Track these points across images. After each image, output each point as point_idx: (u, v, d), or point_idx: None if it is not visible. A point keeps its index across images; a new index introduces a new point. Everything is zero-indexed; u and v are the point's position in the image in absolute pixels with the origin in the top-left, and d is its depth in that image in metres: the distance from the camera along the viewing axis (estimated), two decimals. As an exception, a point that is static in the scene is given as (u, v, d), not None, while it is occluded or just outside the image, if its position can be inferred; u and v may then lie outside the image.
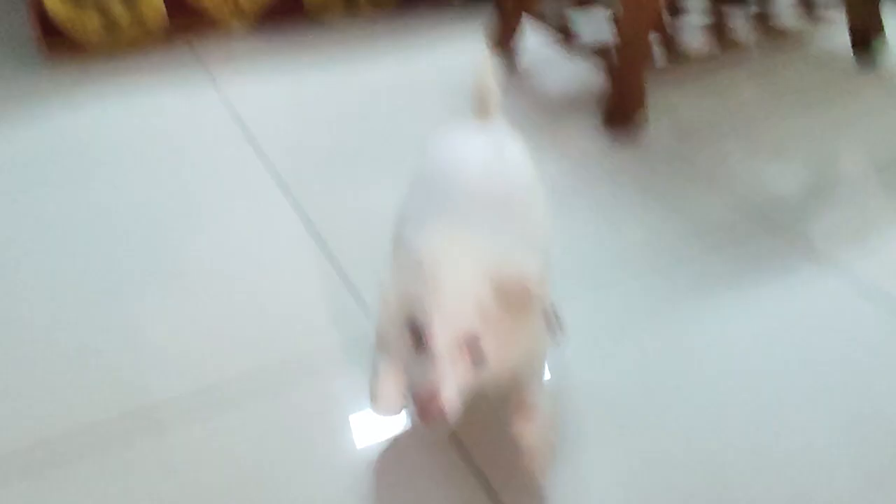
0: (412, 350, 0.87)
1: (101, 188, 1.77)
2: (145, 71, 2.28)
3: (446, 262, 0.87)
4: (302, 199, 1.75)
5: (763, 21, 2.38)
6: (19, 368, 1.30)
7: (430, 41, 2.51)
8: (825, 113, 2.22)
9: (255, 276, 1.53)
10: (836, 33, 2.58)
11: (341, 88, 2.24)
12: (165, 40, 2.43)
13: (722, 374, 1.33)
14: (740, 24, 2.34)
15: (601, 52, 2.11)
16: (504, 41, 2.37)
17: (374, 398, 1.08)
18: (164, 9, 2.38)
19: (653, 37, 2.06)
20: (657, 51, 2.13)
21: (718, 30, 2.30)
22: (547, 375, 1.17)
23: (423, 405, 0.84)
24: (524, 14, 2.32)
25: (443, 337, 0.84)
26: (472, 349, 0.86)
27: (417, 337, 0.86)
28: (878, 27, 2.51)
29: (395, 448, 1.17)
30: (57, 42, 2.28)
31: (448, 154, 1.18)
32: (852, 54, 2.53)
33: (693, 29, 2.30)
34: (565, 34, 2.23)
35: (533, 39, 2.39)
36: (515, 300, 0.87)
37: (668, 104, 2.20)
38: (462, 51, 2.40)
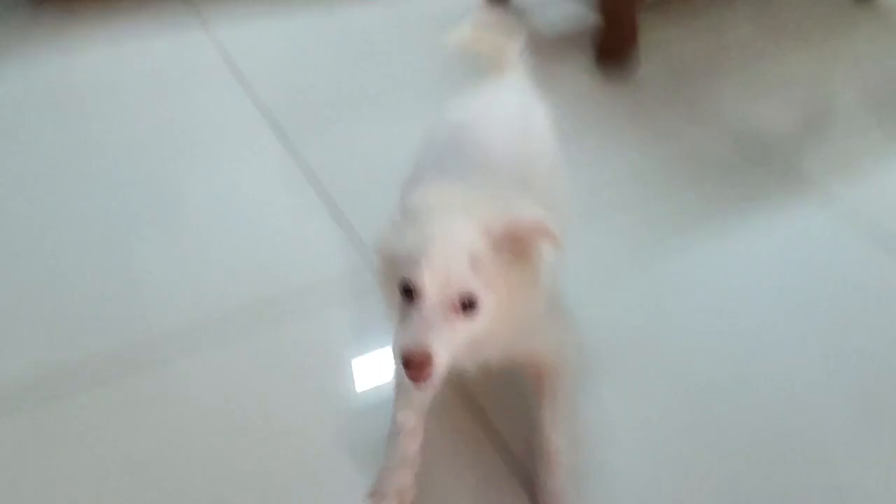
0: (403, 308, 0.84)
1: (94, 130, 1.78)
2: (135, 13, 2.26)
3: (437, 215, 0.84)
4: (294, 138, 1.75)
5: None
6: (17, 306, 1.33)
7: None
8: (821, 48, 2.21)
9: (250, 214, 1.55)
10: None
11: (334, 27, 2.23)
12: (154, -19, 2.40)
13: (713, 305, 1.36)
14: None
15: (594, -11, 2.09)
16: (497, -21, 2.34)
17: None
18: (151, -51, 2.34)
19: (646, -28, 2.03)
20: (651, -14, 2.11)
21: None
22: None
23: (409, 361, 0.80)
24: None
25: (432, 291, 0.81)
26: (466, 304, 0.82)
27: (408, 293, 0.83)
28: (875, -40, 2.47)
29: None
30: (45, -15, 2.26)
31: (462, 118, 1.13)
32: (849, -12, 2.50)
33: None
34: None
35: (526, -23, 2.36)
36: (515, 252, 0.84)
37: (661, 41, 2.19)
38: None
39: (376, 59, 2.07)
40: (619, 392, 1.18)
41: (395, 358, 0.81)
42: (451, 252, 0.82)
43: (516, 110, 1.15)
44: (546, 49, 2.13)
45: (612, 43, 2.04)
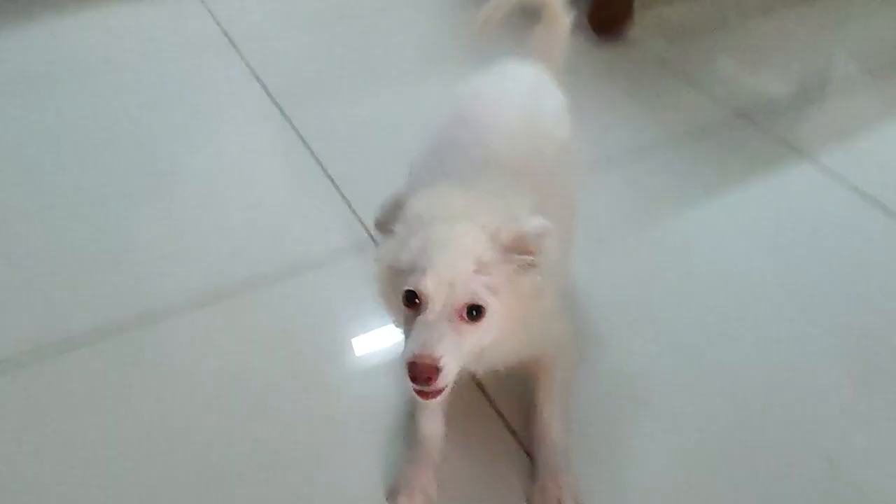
0: (408, 315, 0.82)
1: (87, 97, 1.78)
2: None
3: (440, 222, 0.82)
4: (289, 106, 1.76)
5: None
6: (17, 276, 1.35)
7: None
8: (817, 14, 2.21)
9: (245, 184, 1.56)
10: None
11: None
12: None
13: (705, 265, 1.39)
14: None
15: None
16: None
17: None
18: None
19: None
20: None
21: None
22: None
23: (416, 370, 0.77)
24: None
25: (438, 298, 0.79)
26: (472, 312, 0.80)
27: (413, 303, 0.81)
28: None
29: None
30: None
31: (467, 106, 1.08)
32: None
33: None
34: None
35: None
36: (522, 258, 0.82)
37: (655, 6, 2.18)
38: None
39: (375, 24, 2.06)
40: (612, 353, 1.22)
41: (402, 368, 0.79)
42: (456, 258, 0.80)
43: (526, 97, 1.10)
44: (537, 11, 2.11)
45: (606, 7, 2.03)
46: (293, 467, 1.06)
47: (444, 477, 1.02)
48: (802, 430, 1.12)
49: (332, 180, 1.56)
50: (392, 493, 0.99)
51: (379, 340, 1.25)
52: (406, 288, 0.80)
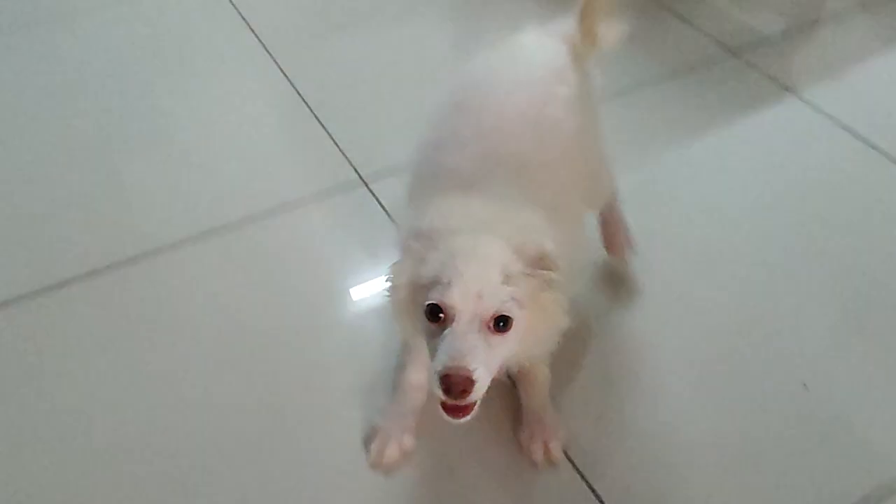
0: (432, 330, 0.79)
1: (79, 45, 1.77)
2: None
3: (462, 234, 0.80)
4: (278, 48, 1.75)
5: None
6: (13, 218, 1.37)
7: None
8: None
9: (238, 125, 1.57)
10: None
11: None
12: None
13: (694, 204, 1.40)
14: None
15: None
16: None
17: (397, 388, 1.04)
18: None
19: None
20: None
21: None
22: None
23: (450, 383, 0.74)
24: None
25: (465, 310, 0.76)
26: (500, 323, 0.78)
27: (437, 317, 0.78)
28: None
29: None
30: None
31: (474, 99, 0.99)
32: None
33: None
34: None
35: None
36: (544, 275, 0.80)
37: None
38: None
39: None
40: (597, 291, 1.24)
41: (432, 383, 0.76)
42: (484, 269, 0.77)
43: (535, 86, 1.00)
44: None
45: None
46: (279, 404, 1.09)
47: (435, 428, 1.02)
48: (782, 360, 1.15)
49: (320, 121, 1.56)
50: (367, 439, 1.02)
51: (365, 274, 1.28)
52: (429, 302, 0.77)
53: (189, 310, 1.22)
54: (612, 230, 1.23)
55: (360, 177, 1.44)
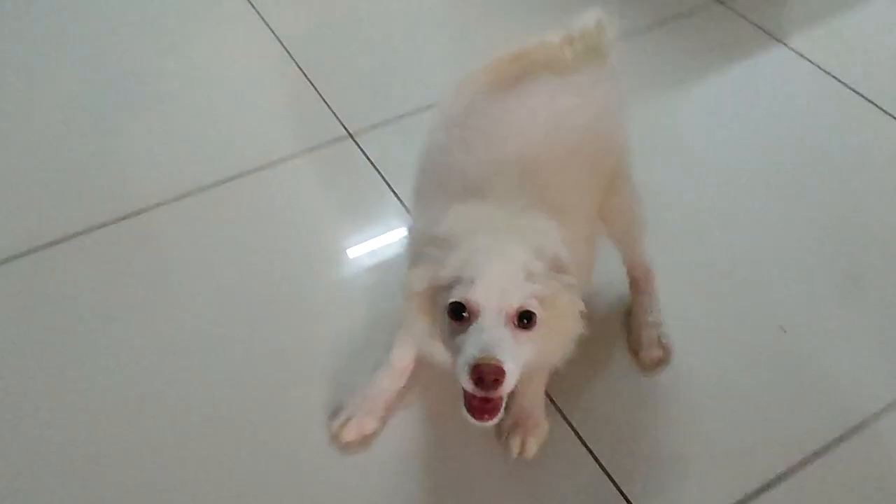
0: (455, 328, 0.78)
1: (69, 11, 1.76)
2: None
3: (483, 235, 0.79)
4: (267, 8, 1.75)
5: None
6: (8, 174, 1.39)
7: None
8: None
9: (228, 84, 1.58)
10: None
11: None
12: None
13: (681, 153, 1.41)
14: None
15: None
16: None
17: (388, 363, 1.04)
18: None
19: None
20: None
21: None
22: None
23: (482, 374, 0.73)
24: None
25: (491, 305, 0.76)
26: (524, 319, 0.77)
27: (460, 316, 0.77)
28: None
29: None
30: None
31: (484, 106, 0.96)
32: None
33: None
34: None
35: None
36: (562, 278, 0.79)
37: None
38: None
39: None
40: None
41: (460, 376, 0.75)
42: (506, 265, 0.77)
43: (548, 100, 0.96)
44: None
45: None
46: (263, 353, 1.12)
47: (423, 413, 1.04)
48: (764, 303, 1.18)
49: (308, 77, 1.57)
50: (333, 414, 1.03)
51: (353, 227, 1.30)
52: (452, 300, 0.77)
53: (180, 265, 1.25)
54: (638, 322, 1.13)
55: (347, 131, 1.45)
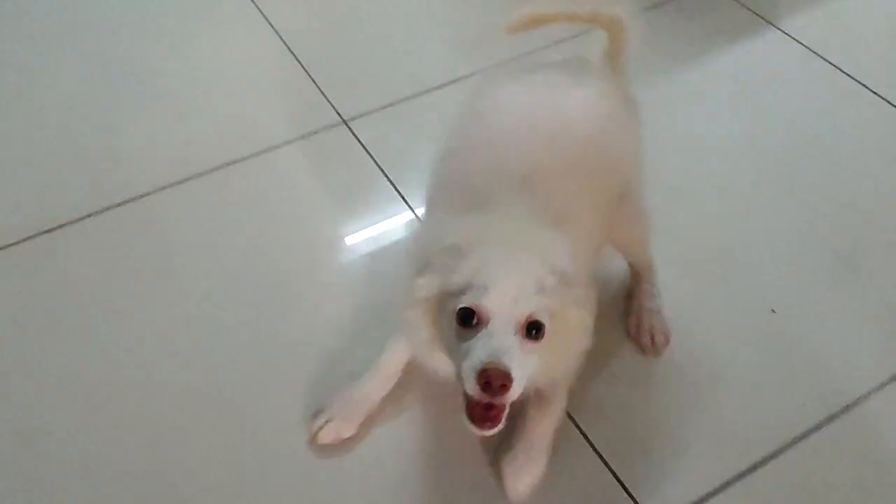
0: (462, 334, 0.78)
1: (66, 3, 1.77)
2: None
3: (495, 245, 0.80)
4: (265, 1, 1.75)
5: None
6: (10, 164, 1.40)
7: None
8: None
9: (223, 71, 1.58)
10: None
11: None
12: None
13: (674, 136, 1.41)
14: None
15: None
16: None
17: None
18: None
19: None
20: None
21: None
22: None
23: (488, 376, 0.73)
24: None
25: (500, 312, 0.76)
26: (533, 329, 0.77)
27: (468, 322, 0.77)
28: None
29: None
30: None
31: (510, 108, 0.97)
32: None
33: None
34: None
35: None
36: (572, 293, 0.80)
37: None
38: None
39: None
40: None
41: (467, 381, 0.75)
42: (519, 275, 0.78)
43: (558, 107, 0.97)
44: None
45: None
46: (254, 336, 1.13)
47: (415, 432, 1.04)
48: (755, 285, 1.19)
49: (302, 64, 1.57)
50: (314, 414, 1.02)
51: (346, 211, 1.31)
52: (462, 305, 0.77)
53: (177, 251, 1.25)
54: (636, 318, 1.14)
55: (341, 116, 1.45)
